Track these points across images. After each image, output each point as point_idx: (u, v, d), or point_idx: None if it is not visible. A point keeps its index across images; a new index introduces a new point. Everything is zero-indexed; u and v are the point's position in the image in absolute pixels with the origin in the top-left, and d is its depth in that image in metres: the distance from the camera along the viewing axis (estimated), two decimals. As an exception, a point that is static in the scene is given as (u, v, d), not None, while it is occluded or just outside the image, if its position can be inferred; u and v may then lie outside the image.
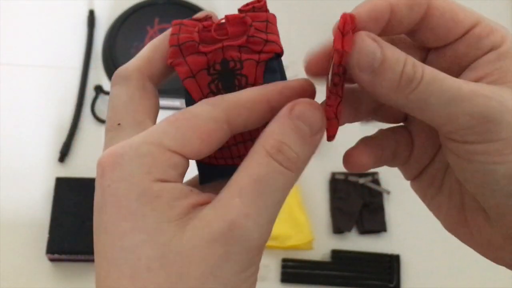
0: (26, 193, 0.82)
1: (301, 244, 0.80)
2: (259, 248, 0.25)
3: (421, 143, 0.31)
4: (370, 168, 0.32)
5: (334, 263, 0.80)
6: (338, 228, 0.82)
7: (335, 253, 0.81)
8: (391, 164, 0.33)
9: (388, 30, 0.28)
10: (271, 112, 0.26)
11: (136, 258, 0.23)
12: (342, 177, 0.84)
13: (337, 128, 0.28)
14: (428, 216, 0.79)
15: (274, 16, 0.29)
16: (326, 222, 0.83)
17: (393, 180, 0.85)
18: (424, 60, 0.29)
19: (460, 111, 0.25)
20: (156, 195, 0.24)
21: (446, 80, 0.25)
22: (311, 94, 0.28)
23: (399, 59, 0.26)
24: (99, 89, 0.88)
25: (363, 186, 0.84)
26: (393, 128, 0.33)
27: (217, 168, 0.28)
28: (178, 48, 0.27)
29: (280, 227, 0.81)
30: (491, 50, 0.27)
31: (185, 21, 0.28)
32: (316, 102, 0.26)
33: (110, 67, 0.89)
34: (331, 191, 0.84)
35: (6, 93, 0.88)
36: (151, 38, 0.90)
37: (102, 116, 0.87)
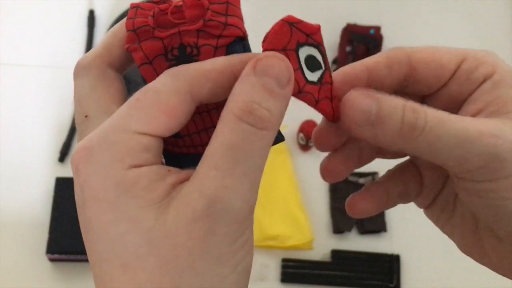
0: (26, 193, 0.82)
1: (301, 244, 0.80)
2: (245, 216, 0.25)
3: (430, 175, 0.31)
4: (374, 214, 0.32)
5: (334, 263, 0.80)
6: (338, 228, 0.82)
7: (335, 253, 0.81)
8: (401, 202, 0.33)
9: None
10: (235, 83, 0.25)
11: (123, 247, 0.23)
12: (342, 177, 0.84)
13: (332, 109, 0.27)
14: (428, 216, 0.78)
15: None
16: (326, 222, 0.83)
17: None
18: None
19: (470, 153, 0.25)
20: (133, 182, 0.23)
21: (452, 123, 0.25)
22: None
23: (397, 107, 0.25)
24: (99, 89, 0.88)
25: (363, 186, 0.84)
26: (400, 168, 0.33)
27: (182, 157, 0.27)
28: (134, 33, 0.26)
29: (280, 227, 0.81)
30: (484, 81, 0.27)
31: (142, 3, 0.26)
32: (280, 54, 0.25)
33: (110, 67, 0.89)
34: (331, 191, 0.84)
35: (6, 93, 0.88)
36: (151, 38, 0.91)
37: (102, 116, 0.87)
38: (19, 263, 0.78)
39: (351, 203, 0.32)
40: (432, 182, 0.32)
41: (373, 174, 0.84)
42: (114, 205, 0.23)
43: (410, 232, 0.84)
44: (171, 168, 0.25)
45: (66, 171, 0.83)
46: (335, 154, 0.31)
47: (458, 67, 0.28)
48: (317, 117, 0.90)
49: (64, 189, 0.79)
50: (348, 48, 0.89)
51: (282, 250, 0.81)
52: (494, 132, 0.25)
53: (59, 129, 0.86)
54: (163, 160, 0.27)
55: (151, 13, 0.25)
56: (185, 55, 0.25)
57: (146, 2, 0.26)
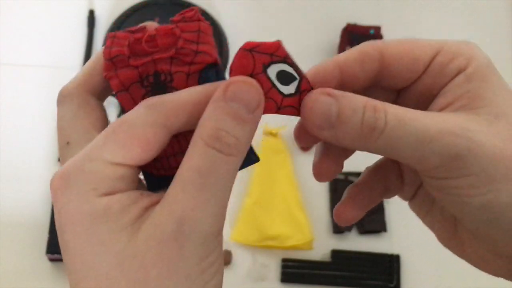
0: (26, 193, 0.82)
1: (301, 244, 0.80)
2: (214, 236, 0.25)
3: (409, 169, 0.32)
4: (362, 216, 0.32)
5: (334, 263, 0.80)
6: (338, 228, 0.82)
7: (335, 253, 0.81)
8: (385, 197, 0.34)
9: (345, 88, 0.27)
10: None
11: (97, 269, 0.24)
12: (342, 177, 0.84)
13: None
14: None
15: (208, 25, 0.28)
16: (326, 222, 0.83)
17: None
18: (396, 99, 0.29)
19: (429, 152, 0.25)
20: (105, 208, 0.24)
21: (412, 122, 0.25)
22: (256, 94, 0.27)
23: (357, 108, 0.25)
24: (99, 89, 0.88)
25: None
26: (379, 164, 0.33)
27: (160, 179, 0.28)
28: (111, 62, 0.27)
29: (280, 227, 0.81)
30: (457, 74, 0.27)
31: (118, 33, 0.27)
32: (249, 78, 0.26)
33: (110, 67, 0.89)
34: (331, 191, 0.84)
35: (6, 93, 0.88)
36: (151, 38, 0.91)
37: (102, 116, 0.87)
38: (19, 263, 0.78)
39: (338, 214, 0.32)
40: (411, 176, 0.32)
41: (373, 174, 0.84)
42: (88, 230, 0.24)
43: (410, 232, 0.84)
44: (143, 191, 0.26)
45: (66, 171, 0.83)
46: (324, 154, 0.31)
47: (432, 60, 0.28)
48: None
49: (64, 189, 0.79)
50: (348, 48, 0.89)
51: (282, 250, 0.81)
52: (454, 130, 0.25)
53: (59, 129, 0.86)
54: (144, 180, 0.28)
55: (126, 43, 0.27)
56: (159, 82, 0.26)
57: (123, 31, 0.27)
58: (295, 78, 0.27)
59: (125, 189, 0.25)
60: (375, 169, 0.33)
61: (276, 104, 0.27)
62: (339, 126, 0.26)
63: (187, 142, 0.27)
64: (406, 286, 0.81)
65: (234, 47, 0.93)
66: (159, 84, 0.26)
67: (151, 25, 0.28)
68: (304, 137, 0.30)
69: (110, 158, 0.25)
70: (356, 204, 0.32)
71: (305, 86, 0.28)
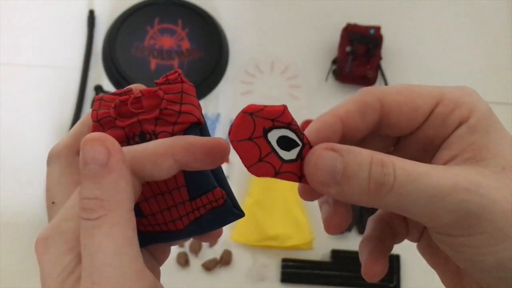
0: (26, 193, 0.82)
1: (301, 244, 0.80)
2: None
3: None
4: (387, 268, 0.31)
5: (334, 263, 0.80)
6: (338, 228, 0.82)
7: (335, 253, 0.81)
8: (397, 243, 0.33)
9: (346, 139, 0.27)
10: (176, 165, 0.26)
11: None
12: (342, 177, 0.84)
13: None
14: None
15: (190, 86, 0.28)
16: (326, 222, 0.83)
17: (393, 180, 0.85)
18: (396, 145, 0.29)
19: (441, 209, 0.24)
20: (72, 270, 0.25)
21: (422, 178, 0.24)
22: (222, 154, 0.27)
23: (363, 163, 0.24)
24: (99, 89, 0.88)
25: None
26: (381, 213, 0.32)
27: (148, 235, 0.29)
28: (99, 123, 0.28)
29: (280, 227, 0.81)
30: (460, 125, 0.26)
31: (105, 96, 0.29)
32: (93, 135, 0.25)
33: (110, 67, 0.89)
34: (331, 191, 0.84)
35: (6, 93, 0.88)
36: (151, 38, 0.90)
37: (102, 116, 0.87)
38: (19, 263, 0.78)
39: (371, 275, 0.31)
40: (414, 224, 0.31)
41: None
42: None
43: (410, 232, 0.84)
44: None
45: (66, 171, 0.83)
46: (333, 210, 0.30)
47: (433, 110, 0.27)
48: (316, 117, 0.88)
49: (64, 189, 0.79)
50: (348, 48, 0.89)
51: (282, 250, 0.81)
52: (467, 187, 0.24)
53: (59, 129, 0.86)
54: None
55: (112, 105, 0.28)
56: (145, 141, 0.27)
57: (109, 94, 0.29)
58: (297, 145, 0.27)
59: None
60: (379, 219, 0.32)
61: (274, 169, 0.28)
62: (345, 183, 0.25)
63: (173, 199, 0.28)
64: (406, 286, 0.81)
65: (234, 47, 0.93)
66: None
67: (137, 87, 0.29)
68: (308, 193, 0.29)
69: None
70: (378, 260, 0.31)
71: (307, 153, 0.27)
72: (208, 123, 0.87)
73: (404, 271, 0.81)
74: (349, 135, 0.27)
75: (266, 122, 0.26)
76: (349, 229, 0.82)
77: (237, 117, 0.26)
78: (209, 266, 0.79)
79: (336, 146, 0.25)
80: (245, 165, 0.27)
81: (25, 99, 0.88)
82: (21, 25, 0.93)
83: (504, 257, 0.24)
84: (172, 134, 0.27)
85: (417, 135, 0.28)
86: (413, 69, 0.94)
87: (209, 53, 0.90)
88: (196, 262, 0.80)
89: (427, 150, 0.27)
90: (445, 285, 0.31)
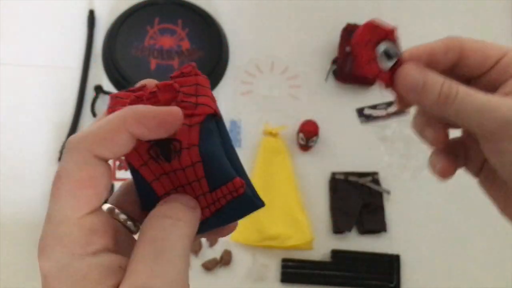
0: (26, 193, 0.82)
1: (301, 244, 0.80)
2: None
3: (474, 149, 0.38)
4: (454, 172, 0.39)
5: (334, 263, 0.80)
6: (338, 228, 0.82)
7: (335, 253, 0.81)
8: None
9: (430, 68, 0.35)
10: (132, 138, 0.27)
11: None
12: (342, 177, 0.84)
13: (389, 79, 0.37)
14: (428, 216, 0.79)
15: (205, 79, 0.29)
16: (326, 222, 0.83)
17: (393, 180, 0.85)
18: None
19: (488, 118, 0.32)
20: (84, 274, 0.26)
21: (477, 95, 0.33)
22: (174, 123, 0.27)
23: (437, 82, 0.34)
24: (99, 89, 0.88)
25: (363, 186, 0.84)
26: (450, 142, 0.40)
27: (158, 197, 0.29)
28: None
29: (280, 227, 0.81)
30: None
31: (120, 93, 0.29)
32: (184, 194, 0.28)
33: (110, 67, 0.89)
34: (331, 191, 0.84)
35: (6, 93, 0.88)
36: (151, 38, 0.90)
37: (102, 116, 0.87)
38: (19, 263, 0.78)
39: (442, 170, 0.39)
40: (475, 154, 0.38)
41: (373, 174, 0.84)
42: None
43: (410, 232, 0.84)
44: (122, 262, 0.27)
45: (66, 171, 0.83)
46: (443, 153, 0.39)
47: (500, 60, 0.35)
48: (317, 117, 0.91)
49: (64, 189, 0.79)
50: (348, 48, 0.89)
51: (282, 250, 0.81)
52: (507, 103, 0.32)
53: (59, 129, 0.86)
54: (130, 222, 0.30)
55: (128, 101, 0.28)
56: None
57: (124, 91, 0.29)
58: (396, 55, 0.36)
59: (101, 244, 0.27)
60: (446, 147, 0.40)
61: (375, 72, 0.37)
62: (423, 93, 0.34)
63: (194, 191, 0.28)
64: (406, 286, 0.81)
65: (234, 47, 0.93)
66: (162, 138, 0.27)
67: (151, 82, 0.29)
68: (400, 101, 0.38)
69: (71, 214, 0.26)
70: (449, 157, 0.38)
71: (401, 62, 0.35)
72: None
73: (404, 271, 0.81)
74: (431, 67, 0.35)
75: (381, 34, 0.36)
76: (349, 229, 0.82)
77: (363, 24, 0.35)
78: (209, 266, 0.79)
79: (422, 66, 0.35)
80: (358, 64, 0.36)
81: (25, 99, 0.88)
82: (21, 25, 0.93)
83: None
84: (189, 126, 0.27)
85: (483, 79, 0.35)
86: (413, 69, 0.94)
87: (209, 53, 0.90)
88: (196, 262, 0.80)
89: (489, 91, 0.34)
90: (505, 213, 0.38)
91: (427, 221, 0.85)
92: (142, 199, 0.29)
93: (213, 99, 0.28)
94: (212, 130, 0.28)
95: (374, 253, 0.81)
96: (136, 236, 0.30)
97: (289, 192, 0.83)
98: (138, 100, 0.28)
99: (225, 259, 0.80)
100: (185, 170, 0.28)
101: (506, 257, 0.84)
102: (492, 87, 0.35)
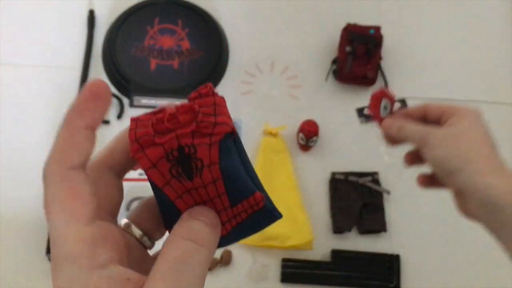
0: (26, 193, 0.82)
1: (301, 244, 0.80)
2: None
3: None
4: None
5: (334, 263, 0.80)
6: (338, 228, 0.82)
7: (335, 253, 0.81)
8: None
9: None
10: (86, 130, 0.29)
11: None
12: (342, 177, 0.84)
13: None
14: (428, 216, 0.79)
15: (222, 99, 0.30)
16: (326, 222, 0.83)
17: (393, 180, 0.85)
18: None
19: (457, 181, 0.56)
20: (93, 287, 0.26)
21: (414, 127, 0.60)
22: (100, 88, 0.29)
23: (408, 128, 0.60)
24: (99, 89, 0.88)
25: (363, 186, 0.84)
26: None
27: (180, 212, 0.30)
28: (137, 143, 0.29)
29: (280, 227, 0.81)
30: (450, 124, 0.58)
31: (141, 116, 0.30)
32: (204, 206, 0.29)
33: (110, 67, 0.89)
34: (331, 191, 0.84)
35: (6, 93, 0.88)
36: (151, 38, 0.90)
37: (102, 116, 0.87)
38: (19, 263, 0.78)
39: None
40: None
41: (373, 174, 0.84)
42: None
43: (410, 232, 0.84)
44: (131, 275, 0.27)
45: (66, 171, 0.83)
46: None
47: (443, 112, 0.59)
48: (317, 117, 0.91)
49: (64, 189, 0.79)
50: (348, 48, 0.89)
51: (282, 250, 0.81)
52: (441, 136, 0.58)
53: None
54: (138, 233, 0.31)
55: (150, 123, 0.29)
56: (184, 155, 0.29)
57: (144, 114, 0.30)
58: (390, 110, 0.65)
59: (108, 257, 0.27)
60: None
61: (378, 117, 0.66)
62: (401, 132, 0.60)
63: (215, 206, 0.30)
64: (406, 286, 0.81)
65: (234, 47, 0.93)
66: (184, 157, 0.29)
67: (170, 105, 0.30)
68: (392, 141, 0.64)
69: (70, 230, 0.27)
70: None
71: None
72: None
73: (404, 271, 0.81)
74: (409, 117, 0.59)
75: (387, 99, 0.63)
76: (349, 229, 0.82)
77: (374, 95, 0.65)
78: (209, 266, 0.79)
79: (400, 118, 0.61)
80: (371, 110, 0.66)
81: (25, 99, 0.88)
82: (21, 25, 0.93)
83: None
84: (210, 144, 0.29)
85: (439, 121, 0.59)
86: (413, 69, 0.94)
87: (209, 53, 0.90)
88: (196, 262, 0.80)
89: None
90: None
91: (427, 221, 0.85)
92: (166, 217, 0.30)
93: (230, 118, 0.30)
94: (231, 147, 0.29)
95: (374, 253, 0.81)
96: (150, 252, 0.31)
97: (289, 192, 0.83)
98: (158, 122, 0.29)
99: (225, 259, 0.80)
100: (207, 187, 0.29)
101: (506, 257, 0.84)
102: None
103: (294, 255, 0.81)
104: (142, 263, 0.28)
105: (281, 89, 0.91)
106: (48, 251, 0.75)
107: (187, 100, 0.30)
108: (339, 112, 0.90)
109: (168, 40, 0.90)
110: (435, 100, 0.92)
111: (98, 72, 0.90)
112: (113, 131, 0.86)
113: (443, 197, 0.89)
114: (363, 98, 0.91)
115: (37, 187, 0.83)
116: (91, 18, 0.93)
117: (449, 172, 0.57)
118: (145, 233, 0.31)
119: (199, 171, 0.28)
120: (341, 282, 0.80)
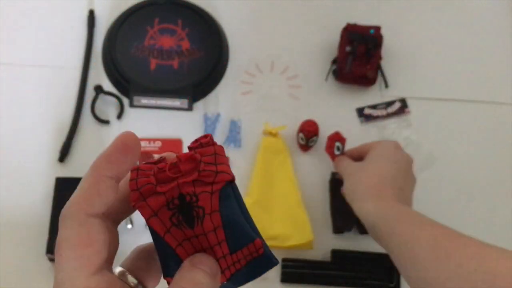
0: (26, 193, 0.82)
1: (301, 244, 0.80)
2: None
3: None
4: None
5: (334, 263, 0.80)
6: (338, 228, 0.82)
7: (335, 253, 0.81)
8: None
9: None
10: (113, 179, 0.29)
11: None
12: (342, 177, 0.84)
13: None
14: (428, 216, 0.79)
15: (221, 148, 0.31)
16: (326, 222, 0.83)
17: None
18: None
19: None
20: None
21: (348, 165, 0.76)
22: (133, 142, 0.30)
23: (341, 165, 0.76)
24: (99, 89, 0.88)
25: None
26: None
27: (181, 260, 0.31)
28: (138, 192, 0.29)
29: (280, 227, 0.81)
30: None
31: (142, 165, 0.30)
32: (205, 254, 0.29)
33: (110, 67, 0.89)
34: (331, 191, 0.84)
35: (6, 93, 0.88)
36: (151, 38, 0.90)
37: (102, 116, 0.87)
38: (19, 263, 0.78)
39: None
40: None
41: (373, 174, 0.84)
42: None
43: (410, 232, 0.84)
44: None
45: (66, 171, 0.83)
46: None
47: (367, 150, 0.74)
48: (317, 117, 0.91)
49: (64, 189, 0.79)
50: (348, 48, 0.89)
51: (282, 250, 0.81)
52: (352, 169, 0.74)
53: (59, 129, 0.86)
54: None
55: (151, 173, 0.30)
56: (185, 203, 0.29)
57: (144, 163, 0.31)
58: (342, 150, 0.79)
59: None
60: None
61: (332, 156, 0.80)
62: (337, 169, 0.75)
63: (215, 254, 0.30)
64: (406, 286, 0.81)
65: (234, 47, 0.93)
66: (185, 205, 0.29)
67: (170, 155, 0.31)
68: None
69: (78, 278, 0.27)
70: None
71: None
72: (208, 123, 0.87)
73: (404, 271, 0.81)
74: (350, 156, 0.67)
75: (336, 140, 0.79)
76: (349, 229, 0.82)
77: (330, 137, 0.80)
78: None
79: (345, 157, 0.76)
80: (329, 154, 0.80)
81: (25, 99, 0.88)
82: (21, 25, 0.93)
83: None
84: (211, 193, 0.29)
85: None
86: (413, 69, 0.94)
87: (209, 53, 0.90)
88: (196, 262, 0.80)
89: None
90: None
91: (427, 221, 0.85)
92: (165, 265, 0.30)
93: (229, 166, 0.31)
94: (230, 195, 0.30)
95: (374, 253, 0.81)
96: None
97: (289, 192, 0.83)
98: (160, 171, 0.30)
99: (225, 259, 0.80)
100: (207, 235, 0.29)
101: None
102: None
103: (294, 255, 0.81)
104: None
105: (281, 89, 0.91)
106: (48, 251, 0.75)
107: (189, 149, 0.31)
108: (339, 112, 0.90)
109: (168, 40, 0.90)
110: (435, 100, 0.92)
111: (98, 72, 0.90)
112: (113, 131, 0.86)
113: (442, 198, 0.89)
114: (363, 98, 0.92)
115: (37, 187, 0.84)
116: (91, 18, 0.93)
117: (349, 201, 0.73)
118: (139, 282, 0.31)
119: (201, 219, 0.29)
120: (341, 282, 0.80)
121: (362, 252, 0.81)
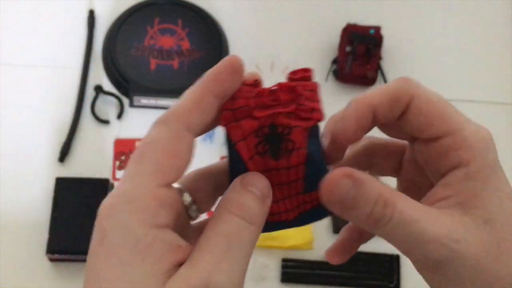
0: (26, 193, 0.82)
1: (301, 244, 0.80)
2: None
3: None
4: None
5: (334, 263, 0.80)
6: (338, 228, 0.82)
7: (335, 253, 0.81)
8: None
9: (374, 122, 0.31)
10: (217, 98, 0.28)
11: None
12: (342, 177, 0.84)
13: None
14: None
15: (318, 85, 0.30)
16: (326, 222, 0.83)
17: (392, 179, 0.85)
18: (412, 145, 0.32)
19: (419, 251, 0.28)
20: (148, 245, 0.25)
21: (412, 225, 0.27)
22: (238, 63, 0.29)
23: (370, 200, 0.27)
24: (99, 89, 0.88)
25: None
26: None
27: (271, 224, 0.31)
28: (232, 113, 0.28)
29: (280, 227, 0.81)
30: (459, 165, 0.29)
31: (241, 87, 0.29)
32: (259, 174, 0.28)
33: (110, 67, 0.89)
34: (331, 191, 0.84)
35: (6, 93, 0.88)
36: (151, 38, 0.90)
37: (102, 116, 0.87)
38: (19, 263, 0.78)
39: (329, 258, 0.36)
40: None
41: (373, 174, 0.84)
42: (124, 263, 0.25)
43: (410, 232, 0.84)
44: (181, 243, 0.27)
45: (66, 171, 0.83)
46: (339, 240, 0.37)
47: (442, 137, 0.29)
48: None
49: (64, 189, 0.79)
50: (348, 48, 0.89)
51: (282, 250, 0.81)
52: (442, 240, 0.27)
53: (59, 129, 0.86)
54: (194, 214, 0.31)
55: (250, 95, 0.28)
56: (276, 133, 0.28)
57: (242, 85, 0.29)
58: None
59: (166, 221, 0.26)
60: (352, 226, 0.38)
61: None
62: (351, 211, 0.28)
63: (290, 190, 0.29)
64: (406, 286, 0.81)
65: (234, 47, 0.93)
66: (275, 135, 0.28)
67: (253, 74, 0.30)
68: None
69: (149, 181, 0.26)
70: (345, 249, 0.37)
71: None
72: (208, 123, 0.87)
73: (404, 271, 0.81)
74: (376, 120, 0.31)
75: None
76: (349, 229, 0.82)
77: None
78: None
79: (354, 174, 0.27)
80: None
81: (25, 99, 0.88)
82: (21, 25, 0.93)
83: None
84: (304, 128, 0.28)
85: (425, 148, 0.30)
86: (413, 69, 0.94)
87: (209, 53, 0.90)
88: (196, 262, 0.80)
89: (429, 168, 0.30)
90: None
91: (427, 221, 0.85)
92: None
93: (322, 105, 0.30)
94: (318, 135, 0.29)
95: (374, 253, 0.81)
96: (192, 223, 0.31)
97: (289, 192, 0.83)
98: (258, 96, 0.28)
99: (225, 259, 0.80)
100: (290, 169, 0.28)
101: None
102: (431, 163, 0.30)
103: (294, 255, 0.81)
104: (183, 232, 0.28)
105: (281, 89, 0.91)
106: (48, 251, 0.75)
107: (288, 79, 0.29)
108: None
109: (168, 40, 0.90)
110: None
111: (98, 72, 0.90)
112: (113, 131, 0.86)
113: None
114: (363, 98, 0.91)
115: (37, 187, 0.84)
116: (91, 18, 0.93)
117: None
118: (195, 202, 0.30)
119: (288, 153, 0.28)
120: (341, 282, 0.79)
121: (362, 252, 0.81)
